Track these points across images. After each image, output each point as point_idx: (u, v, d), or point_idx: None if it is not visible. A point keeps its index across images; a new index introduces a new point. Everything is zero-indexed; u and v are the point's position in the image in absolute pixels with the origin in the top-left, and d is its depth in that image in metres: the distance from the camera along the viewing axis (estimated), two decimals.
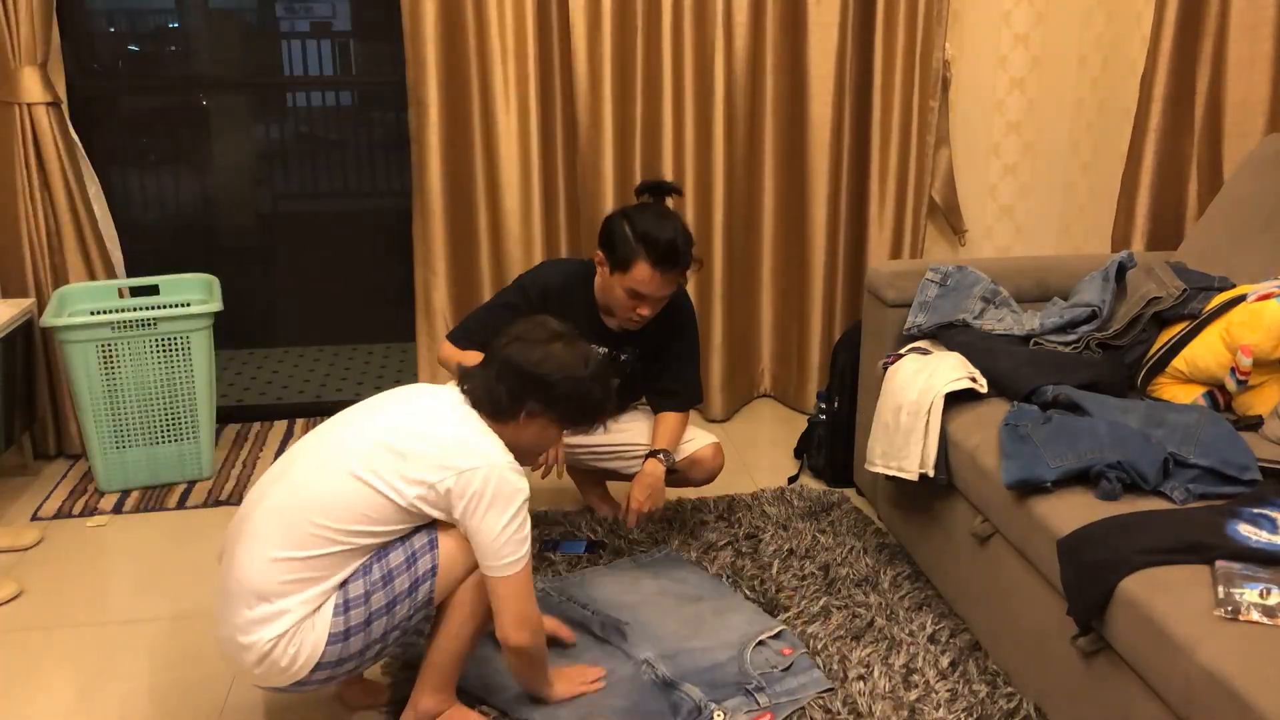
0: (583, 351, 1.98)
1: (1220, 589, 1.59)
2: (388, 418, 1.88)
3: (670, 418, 2.65)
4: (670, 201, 2.55)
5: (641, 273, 2.38)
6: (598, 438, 2.67)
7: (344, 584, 1.82)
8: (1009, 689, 2.10)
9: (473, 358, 2.29)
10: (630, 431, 2.69)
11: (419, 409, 1.90)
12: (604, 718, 2.04)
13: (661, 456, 2.58)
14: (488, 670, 2.17)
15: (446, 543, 1.87)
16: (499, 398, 1.92)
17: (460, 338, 2.51)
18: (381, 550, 1.84)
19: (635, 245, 2.37)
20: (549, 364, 1.93)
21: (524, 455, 1.97)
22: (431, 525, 1.88)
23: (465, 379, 1.96)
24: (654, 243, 2.36)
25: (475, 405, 1.92)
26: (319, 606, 1.80)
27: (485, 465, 1.82)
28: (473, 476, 1.81)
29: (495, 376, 1.93)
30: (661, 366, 2.64)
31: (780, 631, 2.29)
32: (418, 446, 1.82)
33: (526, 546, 1.85)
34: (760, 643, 2.24)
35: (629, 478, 2.67)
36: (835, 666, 2.20)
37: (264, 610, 1.77)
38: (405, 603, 1.85)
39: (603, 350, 2.54)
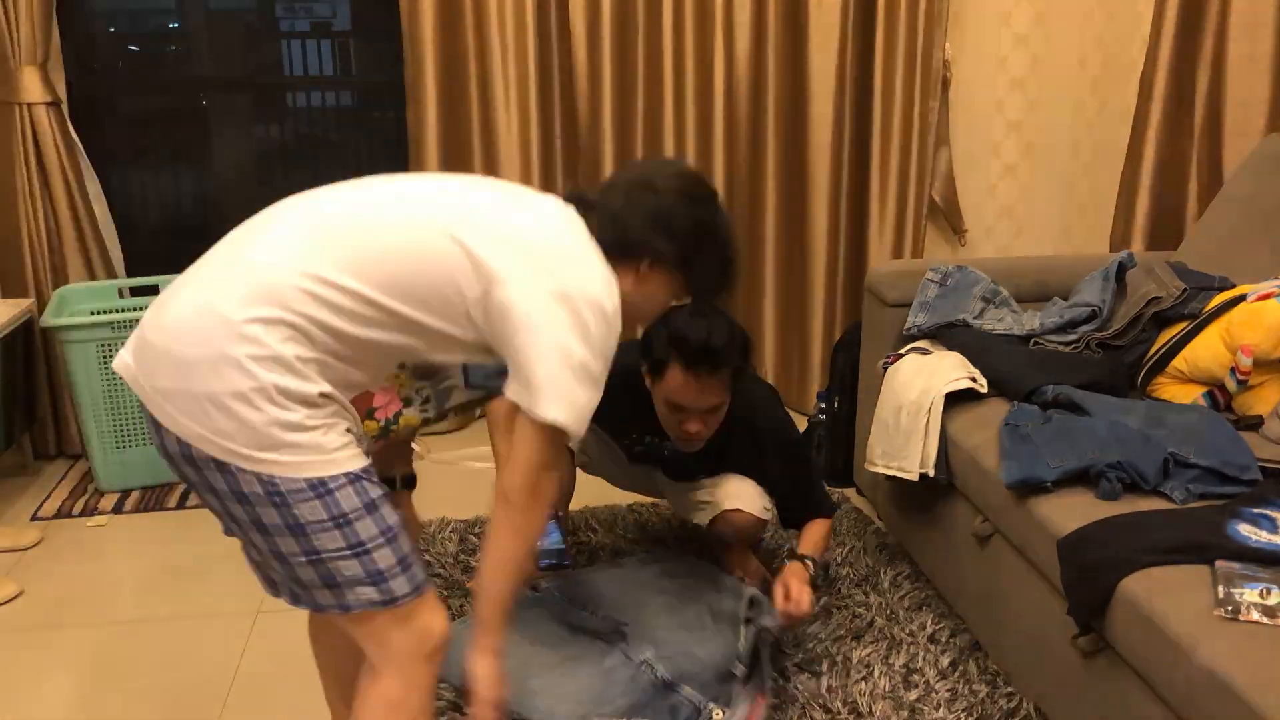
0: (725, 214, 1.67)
1: (1220, 589, 1.59)
2: (484, 193, 1.50)
3: (814, 525, 2.33)
4: None
5: (674, 378, 2.05)
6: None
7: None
8: (1009, 689, 2.10)
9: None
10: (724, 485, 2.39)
11: (522, 203, 1.51)
12: (603, 718, 2.04)
13: (807, 563, 2.21)
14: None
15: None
16: (622, 230, 1.56)
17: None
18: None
19: (667, 346, 2.05)
20: (696, 205, 1.60)
21: (628, 315, 1.59)
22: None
23: (577, 202, 1.58)
24: (684, 341, 2.02)
25: (596, 237, 1.55)
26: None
27: (582, 292, 1.43)
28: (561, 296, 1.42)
29: (626, 203, 1.57)
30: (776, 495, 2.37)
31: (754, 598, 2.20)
32: (536, 247, 1.45)
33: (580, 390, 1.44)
34: (747, 620, 2.18)
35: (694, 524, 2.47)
36: (835, 666, 2.20)
37: (255, 325, 1.34)
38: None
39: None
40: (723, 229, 1.64)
